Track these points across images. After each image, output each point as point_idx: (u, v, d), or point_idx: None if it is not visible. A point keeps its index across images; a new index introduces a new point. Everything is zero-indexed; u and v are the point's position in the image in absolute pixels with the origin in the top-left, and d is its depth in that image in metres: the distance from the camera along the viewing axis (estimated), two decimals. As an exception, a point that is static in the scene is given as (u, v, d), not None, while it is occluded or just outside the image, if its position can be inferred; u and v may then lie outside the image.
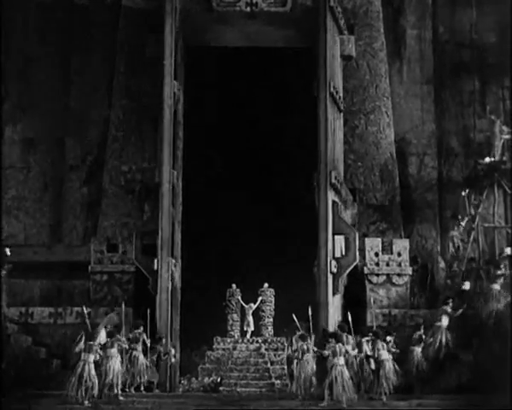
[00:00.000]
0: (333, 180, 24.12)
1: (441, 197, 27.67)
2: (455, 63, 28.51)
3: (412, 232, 26.98)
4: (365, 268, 24.60)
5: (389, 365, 21.61)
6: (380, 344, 21.82)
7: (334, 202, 24.28)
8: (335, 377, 20.26)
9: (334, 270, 23.76)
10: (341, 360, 20.52)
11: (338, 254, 23.91)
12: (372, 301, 23.81)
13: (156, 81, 26.85)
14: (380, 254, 24.68)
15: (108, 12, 28.45)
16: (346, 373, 20.50)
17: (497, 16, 28.26)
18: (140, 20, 27.42)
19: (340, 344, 20.85)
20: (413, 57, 28.48)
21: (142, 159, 26.93)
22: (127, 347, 22.15)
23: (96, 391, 20.93)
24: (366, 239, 25.03)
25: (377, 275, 24.55)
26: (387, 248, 24.72)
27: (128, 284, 24.88)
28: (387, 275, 24.54)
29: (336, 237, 24.02)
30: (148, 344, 22.36)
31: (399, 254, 24.67)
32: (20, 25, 28.81)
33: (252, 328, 25.81)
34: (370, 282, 24.54)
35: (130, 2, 27.65)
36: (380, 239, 24.99)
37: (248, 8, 26.38)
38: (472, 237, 25.60)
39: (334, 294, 23.78)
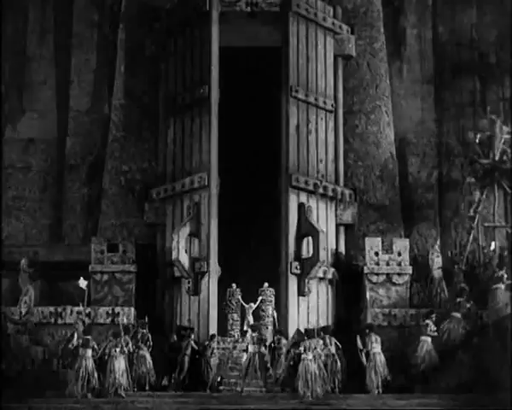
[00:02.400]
0: (294, 183, 24.55)
1: (441, 197, 27.69)
2: (455, 63, 28.51)
3: (412, 232, 27.00)
4: (365, 268, 24.58)
5: (380, 358, 22.08)
6: (373, 337, 22.33)
7: (301, 203, 24.64)
8: (303, 371, 21.29)
9: (297, 271, 24.18)
10: (310, 355, 21.46)
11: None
12: (368, 298, 23.88)
13: (156, 81, 26.94)
14: (380, 253, 24.68)
15: (109, 12, 28.48)
16: (313, 367, 21.38)
17: (497, 16, 28.26)
18: (140, 20, 27.46)
19: (310, 340, 21.74)
20: (413, 57, 28.49)
21: (142, 159, 26.95)
22: (131, 348, 22.29)
23: (96, 385, 21.20)
24: (366, 239, 25.03)
25: (377, 274, 24.54)
26: (387, 248, 24.73)
27: (129, 283, 24.84)
28: (387, 274, 24.53)
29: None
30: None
31: (399, 254, 24.66)
32: (20, 25, 28.82)
33: (252, 328, 25.76)
34: (370, 281, 24.54)
35: (130, 3, 27.69)
36: (380, 239, 24.99)
37: (248, 8, 26.41)
38: (472, 237, 25.61)
39: (302, 295, 24.27)
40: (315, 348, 21.73)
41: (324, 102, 25.96)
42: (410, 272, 24.62)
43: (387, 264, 24.60)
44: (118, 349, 21.81)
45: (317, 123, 25.84)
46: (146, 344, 22.80)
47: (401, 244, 24.83)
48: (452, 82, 28.42)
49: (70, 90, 28.39)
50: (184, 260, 24.26)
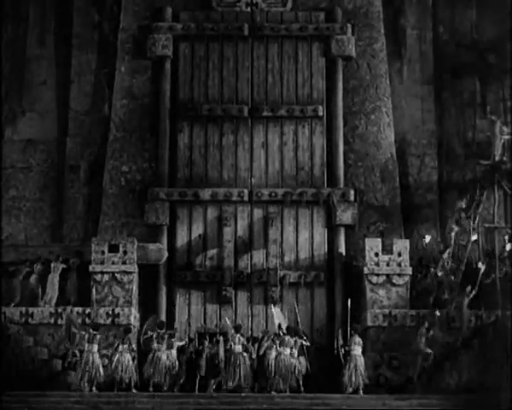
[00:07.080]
0: (255, 198, 25.86)
1: (441, 197, 27.69)
2: (455, 63, 28.49)
3: (412, 233, 27.00)
4: (365, 268, 24.59)
5: (360, 360, 22.30)
6: (357, 339, 22.55)
7: (266, 215, 25.81)
8: (235, 364, 22.26)
9: (258, 280, 25.53)
10: (239, 349, 22.33)
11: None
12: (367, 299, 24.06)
13: (157, 82, 26.96)
14: (380, 254, 24.69)
15: (109, 12, 28.49)
16: (242, 360, 22.27)
17: (497, 16, 28.26)
18: (140, 21, 27.49)
19: (239, 335, 22.58)
20: (413, 57, 28.49)
21: (142, 159, 26.97)
22: (134, 347, 22.47)
23: (101, 379, 21.49)
24: (366, 239, 25.05)
25: (377, 275, 24.56)
26: (388, 249, 24.75)
27: (129, 284, 24.82)
28: (387, 275, 24.55)
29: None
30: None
31: (400, 255, 24.68)
32: (21, 25, 28.83)
33: (252, 328, 25.85)
34: (370, 282, 24.55)
35: (131, 3, 27.71)
36: (380, 239, 25.02)
37: (248, 9, 26.48)
38: (472, 237, 25.61)
39: (270, 302, 25.30)
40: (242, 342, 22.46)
41: (302, 111, 26.42)
42: (410, 272, 24.65)
43: (387, 264, 24.62)
44: (125, 346, 22.13)
45: (295, 133, 26.32)
46: (163, 345, 22.83)
47: (401, 245, 24.86)
48: (452, 82, 28.42)
49: (70, 91, 28.38)
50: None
